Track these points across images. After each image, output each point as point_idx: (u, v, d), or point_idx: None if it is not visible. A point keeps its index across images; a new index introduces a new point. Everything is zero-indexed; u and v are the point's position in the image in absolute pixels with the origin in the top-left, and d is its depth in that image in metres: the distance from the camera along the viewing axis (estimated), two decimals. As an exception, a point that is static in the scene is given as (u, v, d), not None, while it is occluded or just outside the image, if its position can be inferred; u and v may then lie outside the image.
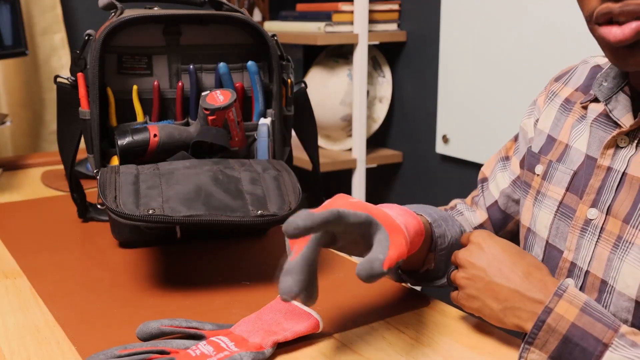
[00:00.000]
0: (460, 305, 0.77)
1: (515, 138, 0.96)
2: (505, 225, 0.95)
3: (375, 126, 2.14)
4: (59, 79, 1.05)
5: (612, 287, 0.71)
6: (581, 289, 0.75)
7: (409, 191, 2.13)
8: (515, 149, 0.95)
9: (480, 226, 0.96)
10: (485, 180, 0.98)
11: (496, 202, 0.95)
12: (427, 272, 0.87)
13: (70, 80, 1.03)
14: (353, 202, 0.71)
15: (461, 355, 0.74)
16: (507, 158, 0.96)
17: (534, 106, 0.92)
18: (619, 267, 0.71)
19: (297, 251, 0.66)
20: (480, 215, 0.97)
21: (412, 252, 0.77)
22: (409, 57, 2.06)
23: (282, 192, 0.91)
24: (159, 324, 0.74)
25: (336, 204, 0.71)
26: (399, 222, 0.72)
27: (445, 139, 1.92)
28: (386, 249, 0.66)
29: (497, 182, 0.95)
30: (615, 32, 0.65)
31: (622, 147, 0.74)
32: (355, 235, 0.70)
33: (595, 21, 0.67)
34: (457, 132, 1.88)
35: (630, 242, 0.70)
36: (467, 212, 0.98)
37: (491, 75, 1.75)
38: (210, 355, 0.69)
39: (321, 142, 2.19)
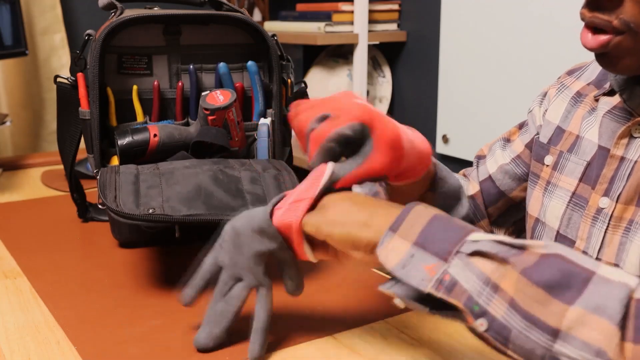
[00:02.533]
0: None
1: (520, 125, 0.96)
2: (496, 201, 0.94)
3: (375, 126, 2.14)
4: (59, 79, 1.05)
5: (622, 269, 0.72)
6: None
7: (409, 191, 2.13)
8: (522, 132, 0.94)
9: (471, 198, 0.95)
10: (482, 157, 0.98)
11: (490, 176, 0.94)
12: None
13: (70, 80, 1.03)
14: (356, 103, 0.70)
15: (461, 356, 0.74)
16: (508, 140, 0.96)
17: (544, 97, 0.92)
18: (629, 249, 0.71)
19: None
20: (472, 187, 0.96)
21: (409, 178, 0.77)
22: (409, 57, 2.06)
23: (282, 191, 0.91)
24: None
25: (339, 102, 0.71)
26: (403, 137, 0.71)
27: (445, 139, 1.92)
28: (353, 166, 0.68)
29: (496, 158, 0.95)
30: (587, 38, 0.70)
31: (636, 137, 0.74)
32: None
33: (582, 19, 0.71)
34: (457, 132, 1.88)
35: (638, 223, 0.71)
36: (460, 181, 0.96)
37: (491, 75, 1.75)
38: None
39: (321, 142, 2.18)
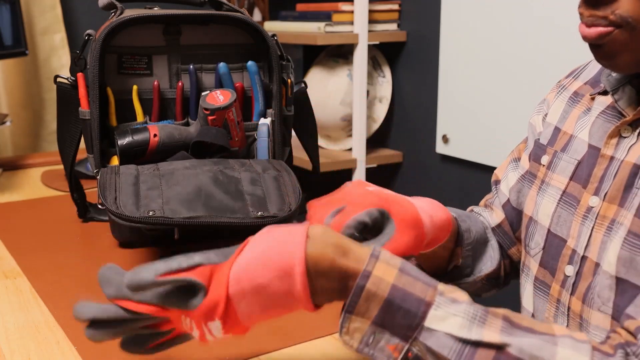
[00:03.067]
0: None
1: (525, 140, 0.97)
2: (520, 222, 0.94)
3: (375, 126, 2.14)
4: (59, 79, 1.05)
5: (601, 267, 0.73)
6: (578, 274, 0.77)
7: (409, 191, 2.13)
8: (526, 147, 0.95)
9: (499, 226, 0.95)
10: (498, 182, 0.98)
11: (508, 200, 0.94)
12: (454, 269, 0.87)
13: (70, 80, 1.03)
14: (369, 192, 0.72)
15: (461, 355, 0.74)
16: (519, 159, 0.96)
17: (543, 104, 0.93)
18: (608, 247, 0.72)
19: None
20: (497, 216, 0.96)
21: (433, 246, 0.79)
22: (409, 57, 2.06)
23: (282, 193, 0.91)
24: (153, 274, 0.60)
25: (352, 193, 0.72)
26: (421, 214, 0.73)
27: (445, 139, 1.92)
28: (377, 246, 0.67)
29: (508, 181, 0.95)
30: (584, 28, 0.71)
31: (625, 137, 0.75)
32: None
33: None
34: (457, 132, 1.88)
35: (620, 223, 0.72)
36: (484, 213, 0.97)
37: (491, 75, 1.75)
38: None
39: (321, 142, 2.18)
